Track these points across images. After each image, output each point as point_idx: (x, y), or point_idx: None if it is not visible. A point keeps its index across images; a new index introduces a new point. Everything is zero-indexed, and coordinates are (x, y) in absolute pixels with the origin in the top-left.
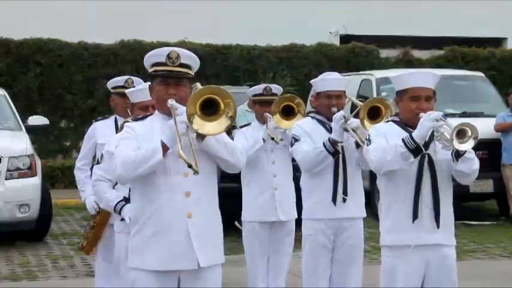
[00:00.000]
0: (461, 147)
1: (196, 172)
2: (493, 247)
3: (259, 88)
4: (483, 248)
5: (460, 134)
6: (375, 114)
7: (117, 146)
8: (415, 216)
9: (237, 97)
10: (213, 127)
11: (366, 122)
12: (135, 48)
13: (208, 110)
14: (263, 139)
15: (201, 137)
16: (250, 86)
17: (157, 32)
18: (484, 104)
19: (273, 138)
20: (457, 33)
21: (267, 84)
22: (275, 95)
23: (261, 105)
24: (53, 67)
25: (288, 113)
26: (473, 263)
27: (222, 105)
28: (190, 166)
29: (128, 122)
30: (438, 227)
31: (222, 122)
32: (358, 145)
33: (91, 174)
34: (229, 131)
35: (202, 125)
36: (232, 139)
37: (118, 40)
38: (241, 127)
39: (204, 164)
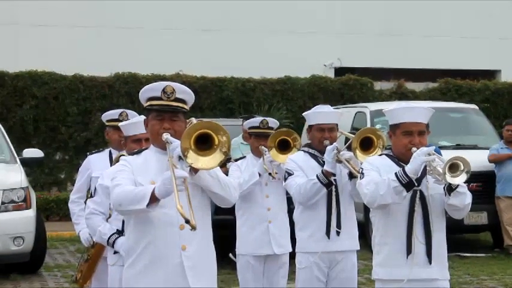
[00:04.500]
0: (454, 180)
1: (193, 228)
2: (487, 279)
3: (255, 121)
4: (477, 280)
5: (453, 167)
6: (367, 145)
7: (114, 178)
8: (408, 251)
9: (232, 129)
10: (207, 162)
11: (359, 153)
12: (130, 81)
13: (203, 144)
14: (259, 173)
15: (194, 170)
16: (245, 118)
17: (152, 65)
18: (477, 136)
19: (270, 174)
20: (451, 65)
21: (264, 118)
22: (271, 128)
23: (256, 138)
24: (48, 100)
25: (284, 147)
26: None
27: (216, 140)
28: (187, 222)
29: (124, 155)
30: (430, 262)
31: (216, 157)
32: (351, 177)
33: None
34: (224, 163)
35: (196, 160)
36: (227, 172)
37: (113, 73)
38: (236, 160)
39: (197, 198)
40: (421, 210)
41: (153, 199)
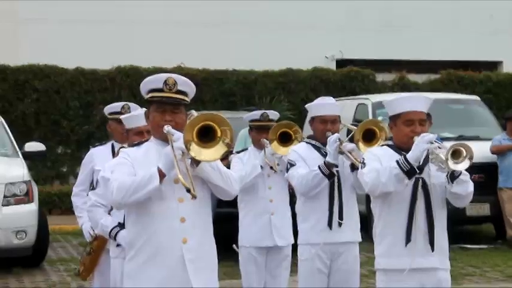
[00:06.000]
0: (457, 167)
1: (194, 196)
2: (489, 271)
3: (256, 114)
4: (480, 271)
5: (455, 154)
6: (369, 137)
7: (113, 171)
8: (408, 239)
9: (235, 122)
10: (210, 154)
11: (361, 144)
12: (131, 74)
13: (205, 137)
14: (261, 166)
15: (195, 162)
16: (249, 110)
17: (154, 58)
18: (480, 127)
19: (271, 168)
20: (453, 57)
21: (264, 110)
22: (272, 120)
23: (257, 131)
24: (49, 93)
25: (285, 139)
26: (469, 286)
27: (219, 132)
28: (188, 191)
29: (124, 147)
30: (433, 250)
31: (219, 149)
32: (353, 168)
33: None
34: (226, 156)
35: (198, 152)
36: (229, 164)
37: (114, 66)
38: (238, 152)
39: (198, 190)
40: (424, 198)
41: (161, 175)
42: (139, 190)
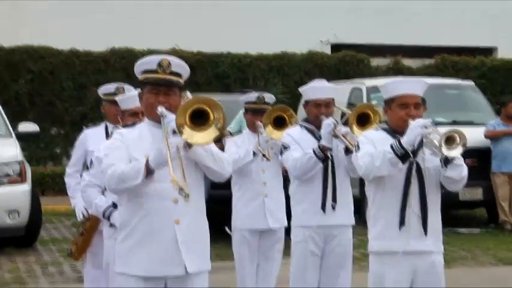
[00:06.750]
0: (450, 153)
1: (187, 196)
2: (481, 254)
3: (252, 96)
4: (472, 255)
5: (449, 140)
6: (364, 120)
7: (107, 155)
8: (401, 223)
9: (229, 105)
10: (202, 137)
11: (355, 128)
12: (126, 56)
13: (198, 120)
14: (254, 152)
15: (188, 145)
16: (244, 92)
17: (148, 40)
18: (474, 112)
19: (264, 155)
20: (448, 42)
21: (260, 93)
22: (268, 104)
23: (253, 114)
24: (43, 74)
25: (280, 124)
26: (462, 270)
27: (212, 116)
28: (181, 189)
29: (118, 128)
30: (426, 234)
31: (211, 133)
32: (347, 152)
33: None
34: (220, 139)
35: (191, 135)
36: (223, 148)
37: (109, 48)
38: (232, 134)
39: (191, 172)
40: (417, 182)
41: (148, 171)
42: (126, 181)
